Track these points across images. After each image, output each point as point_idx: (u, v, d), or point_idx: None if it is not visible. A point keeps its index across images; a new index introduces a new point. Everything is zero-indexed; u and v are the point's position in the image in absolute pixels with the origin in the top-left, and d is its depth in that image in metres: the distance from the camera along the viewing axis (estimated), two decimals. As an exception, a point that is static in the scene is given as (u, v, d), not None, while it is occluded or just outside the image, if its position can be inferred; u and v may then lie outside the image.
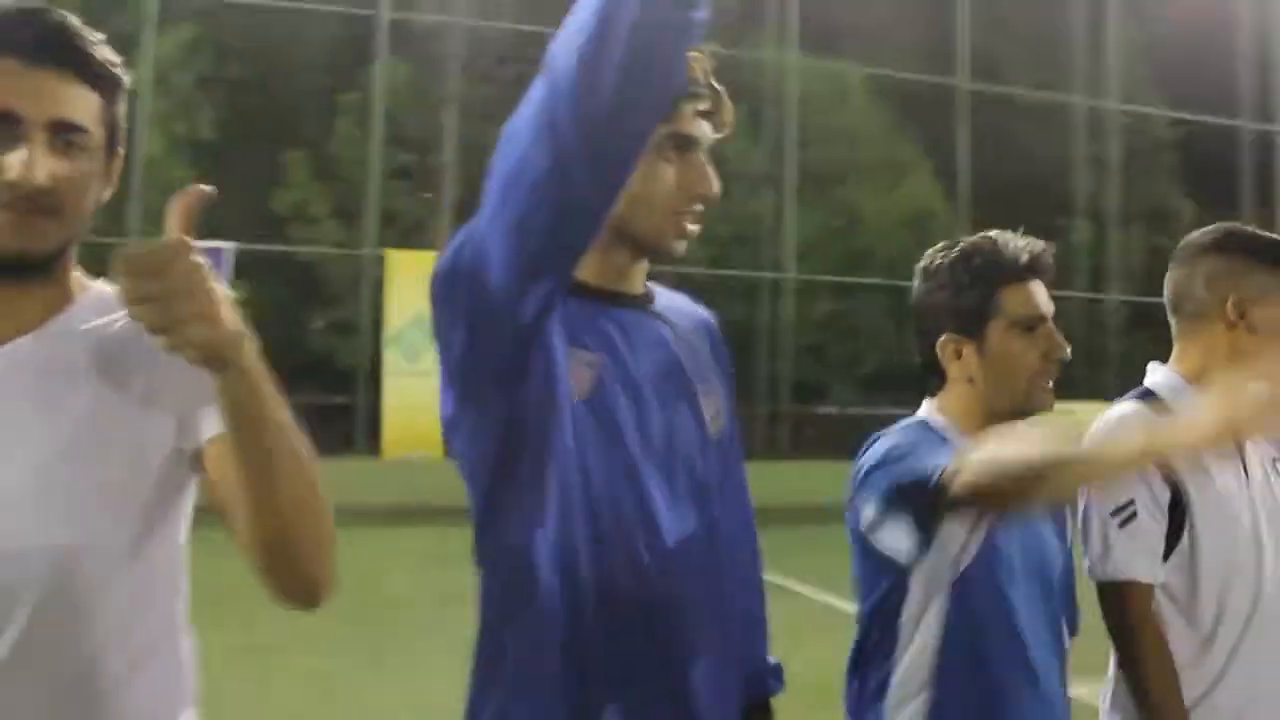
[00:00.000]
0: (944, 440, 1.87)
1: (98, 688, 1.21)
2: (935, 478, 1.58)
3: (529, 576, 1.40)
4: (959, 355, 1.93)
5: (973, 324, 1.91)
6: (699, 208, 1.53)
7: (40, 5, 1.23)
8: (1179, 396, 2.09)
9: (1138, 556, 1.97)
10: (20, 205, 1.18)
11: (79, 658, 1.21)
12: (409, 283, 13.31)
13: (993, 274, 1.92)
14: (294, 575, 1.16)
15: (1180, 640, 1.94)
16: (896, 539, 1.68)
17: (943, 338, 1.95)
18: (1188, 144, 24.77)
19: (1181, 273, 2.21)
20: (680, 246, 1.55)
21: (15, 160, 1.17)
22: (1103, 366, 21.18)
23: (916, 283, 2.02)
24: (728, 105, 1.54)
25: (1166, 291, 2.24)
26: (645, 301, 1.62)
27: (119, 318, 1.25)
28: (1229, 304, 2.12)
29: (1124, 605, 1.97)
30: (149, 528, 1.28)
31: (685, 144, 1.50)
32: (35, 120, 1.19)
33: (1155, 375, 2.19)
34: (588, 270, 1.50)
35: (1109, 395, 16.82)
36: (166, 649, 1.31)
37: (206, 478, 1.29)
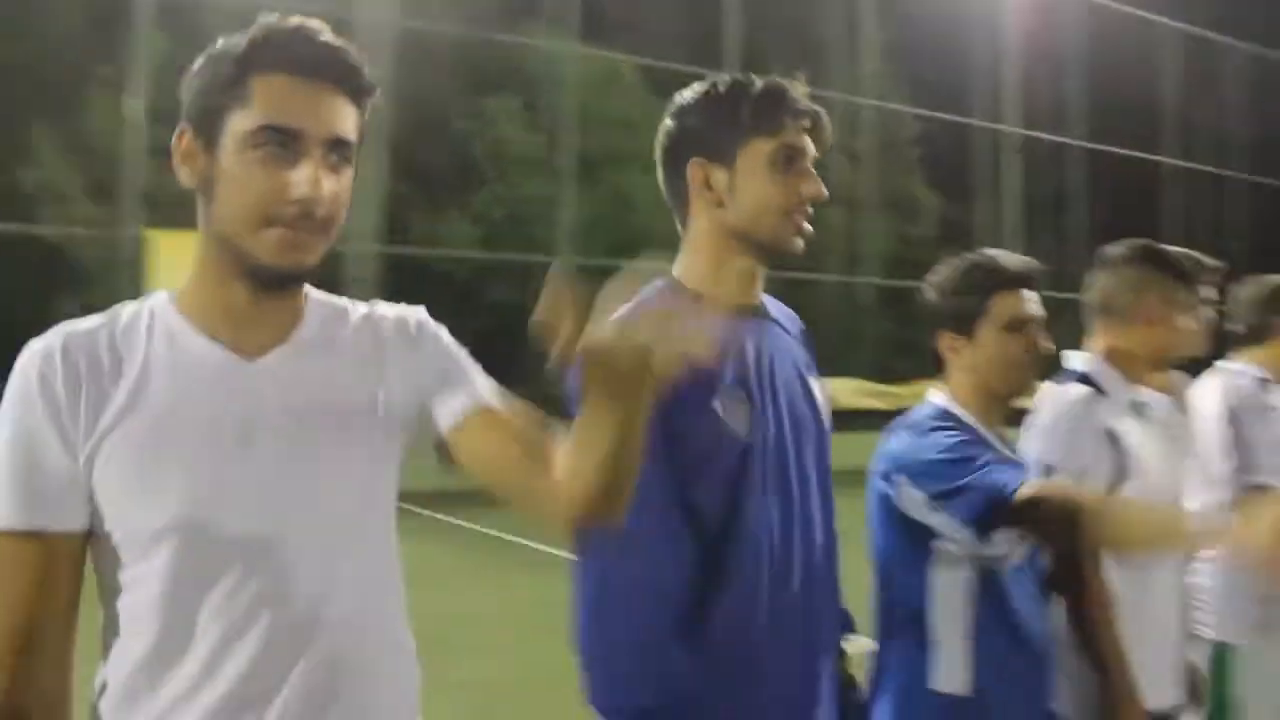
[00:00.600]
0: (970, 425, 2.23)
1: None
2: (1009, 493, 1.93)
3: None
4: (955, 350, 2.27)
5: (967, 324, 2.26)
6: (810, 209, 1.72)
7: (310, 21, 1.25)
8: (1107, 380, 2.56)
9: None
10: (301, 224, 1.20)
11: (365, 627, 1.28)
12: (171, 263, 12.81)
13: (989, 282, 2.25)
14: (614, 506, 1.26)
15: None
16: (953, 526, 2.02)
17: (941, 334, 2.31)
18: (929, 139, 26.83)
19: (1109, 278, 2.69)
20: (800, 244, 1.71)
21: (303, 179, 1.20)
22: (856, 344, 22.66)
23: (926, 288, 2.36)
24: (826, 125, 1.74)
25: (1093, 293, 2.70)
26: (765, 311, 1.79)
27: (347, 323, 1.35)
28: (1151, 307, 2.59)
29: None
30: (389, 514, 1.35)
31: (795, 155, 1.69)
32: (315, 137, 1.21)
33: (1082, 362, 2.64)
34: (716, 284, 1.70)
35: (862, 371, 18.09)
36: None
37: (455, 460, 1.35)
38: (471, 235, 19.78)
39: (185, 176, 1.25)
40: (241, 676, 1.18)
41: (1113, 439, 2.43)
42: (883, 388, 21.68)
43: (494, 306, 17.90)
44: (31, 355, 1.21)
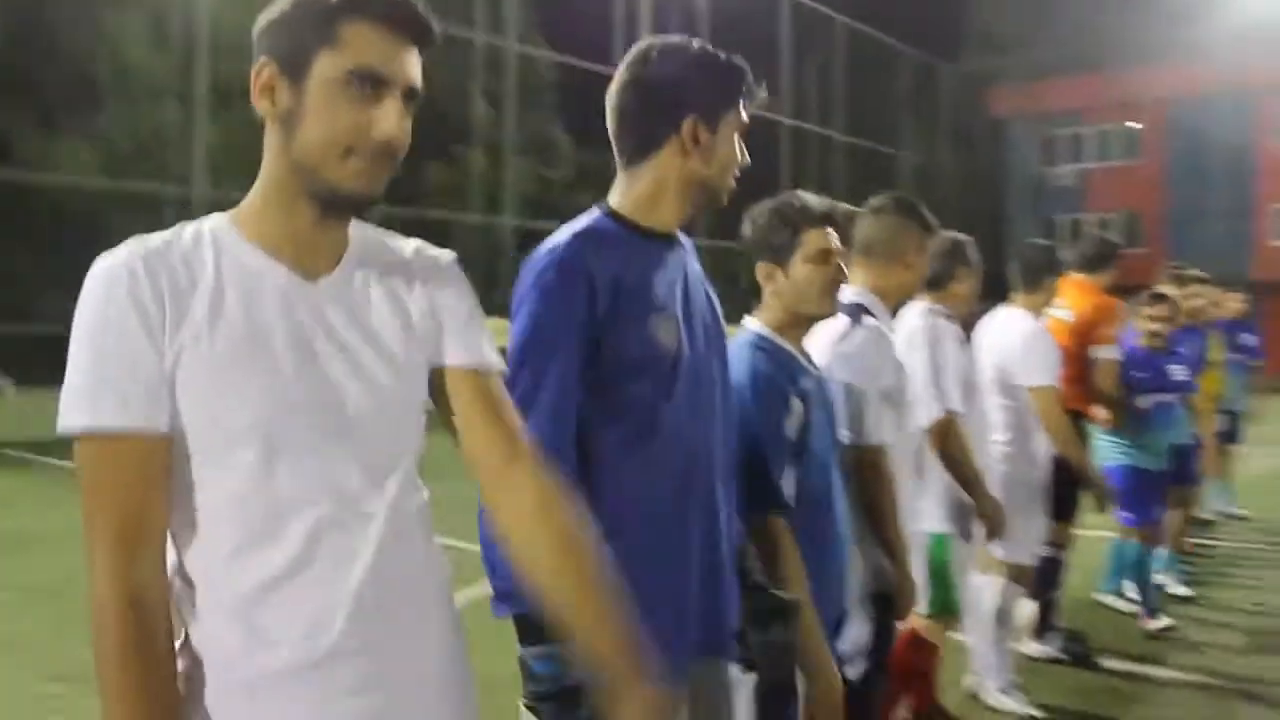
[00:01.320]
0: (782, 348, 2.58)
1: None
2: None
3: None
4: (770, 278, 2.59)
5: (781, 255, 2.57)
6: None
7: None
8: (878, 312, 3.14)
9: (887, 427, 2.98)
10: (379, 158, 1.35)
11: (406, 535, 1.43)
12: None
13: (800, 219, 2.57)
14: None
15: None
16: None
17: (759, 265, 2.62)
18: (566, 84, 27.71)
19: (873, 225, 3.24)
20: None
21: (388, 119, 1.34)
22: (495, 285, 23.17)
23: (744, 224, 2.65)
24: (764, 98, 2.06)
25: (860, 235, 3.23)
26: (678, 241, 2.06)
27: (386, 253, 1.49)
28: (907, 253, 3.23)
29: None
30: (421, 422, 1.49)
31: (745, 128, 2.03)
32: (395, 84, 1.34)
33: (856, 295, 3.11)
34: (654, 218, 1.97)
35: (504, 311, 18.80)
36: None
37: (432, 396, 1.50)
38: (91, 162, 18.17)
39: (265, 107, 1.37)
40: (322, 563, 1.32)
41: (898, 364, 3.12)
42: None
43: (122, 238, 16.60)
44: (114, 270, 1.29)
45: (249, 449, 1.29)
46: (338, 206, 1.39)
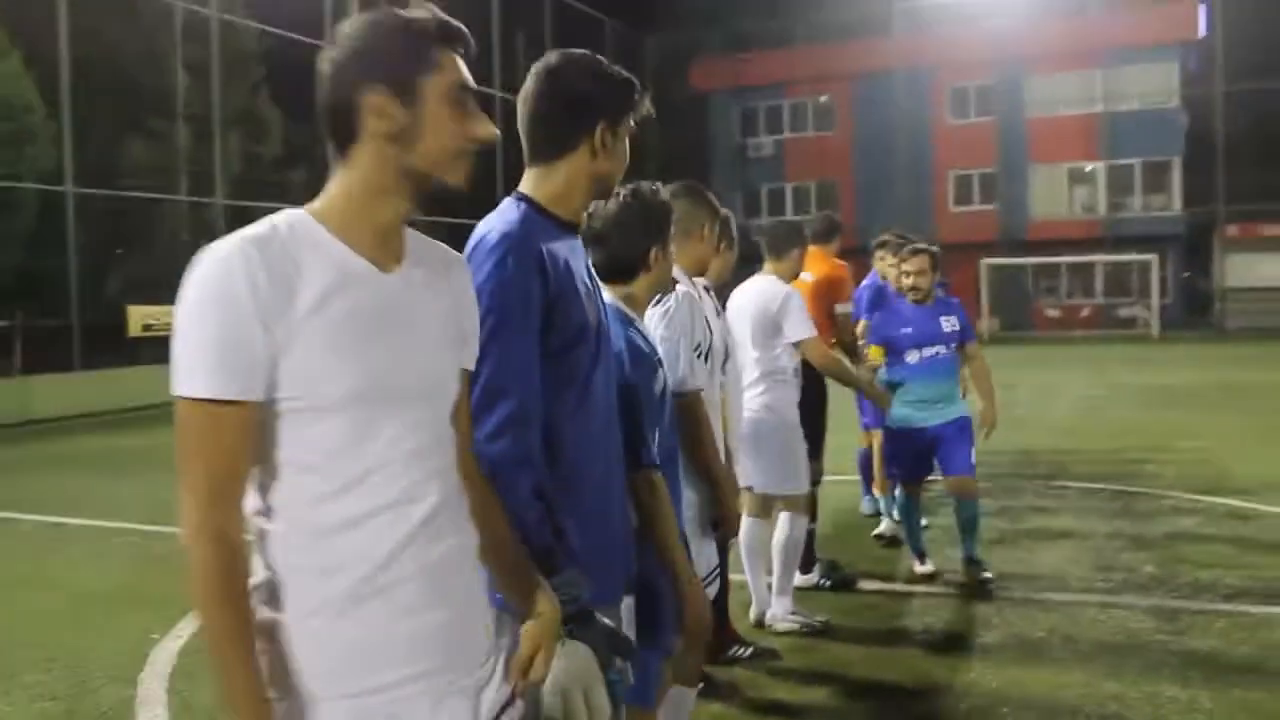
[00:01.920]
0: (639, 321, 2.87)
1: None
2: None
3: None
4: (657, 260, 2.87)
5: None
6: None
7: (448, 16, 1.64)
8: (681, 276, 3.54)
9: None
10: (475, 156, 1.61)
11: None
12: None
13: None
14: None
15: None
16: None
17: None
18: (273, 57, 26.49)
19: (680, 205, 3.46)
20: None
21: (486, 123, 1.64)
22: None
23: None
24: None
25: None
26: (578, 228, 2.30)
27: (430, 251, 1.71)
28: (705, 229, 3.77)
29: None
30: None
31: (629, 130, 2.25)
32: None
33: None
34: (567, 209, 2.19)
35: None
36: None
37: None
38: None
39: (375, 126, 1.57)
40: (395, 508, 1.55)
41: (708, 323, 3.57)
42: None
43: None
44: (231, 256, 1.46)
45: (344, 415, 1.51)
46: (436, 201, 1.64)
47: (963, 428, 5.73)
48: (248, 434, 1.47)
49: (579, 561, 1.95)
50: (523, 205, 2.17)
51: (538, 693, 1.95)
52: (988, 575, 5.59)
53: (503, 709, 1.74)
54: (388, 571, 1.54)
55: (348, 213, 1.59)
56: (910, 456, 5.82)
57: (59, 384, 17.79)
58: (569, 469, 2.08)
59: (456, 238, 1.94)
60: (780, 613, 5.02)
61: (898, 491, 6.24)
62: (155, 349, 20.51)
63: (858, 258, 7.54)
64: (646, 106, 2.31)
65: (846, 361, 5.74)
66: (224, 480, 1.47)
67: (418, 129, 1.58)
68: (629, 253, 2.77)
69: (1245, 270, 34.68)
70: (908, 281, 5.84)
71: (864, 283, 7.22)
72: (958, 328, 5.80)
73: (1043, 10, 36.16)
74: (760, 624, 5.03)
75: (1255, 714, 3.94)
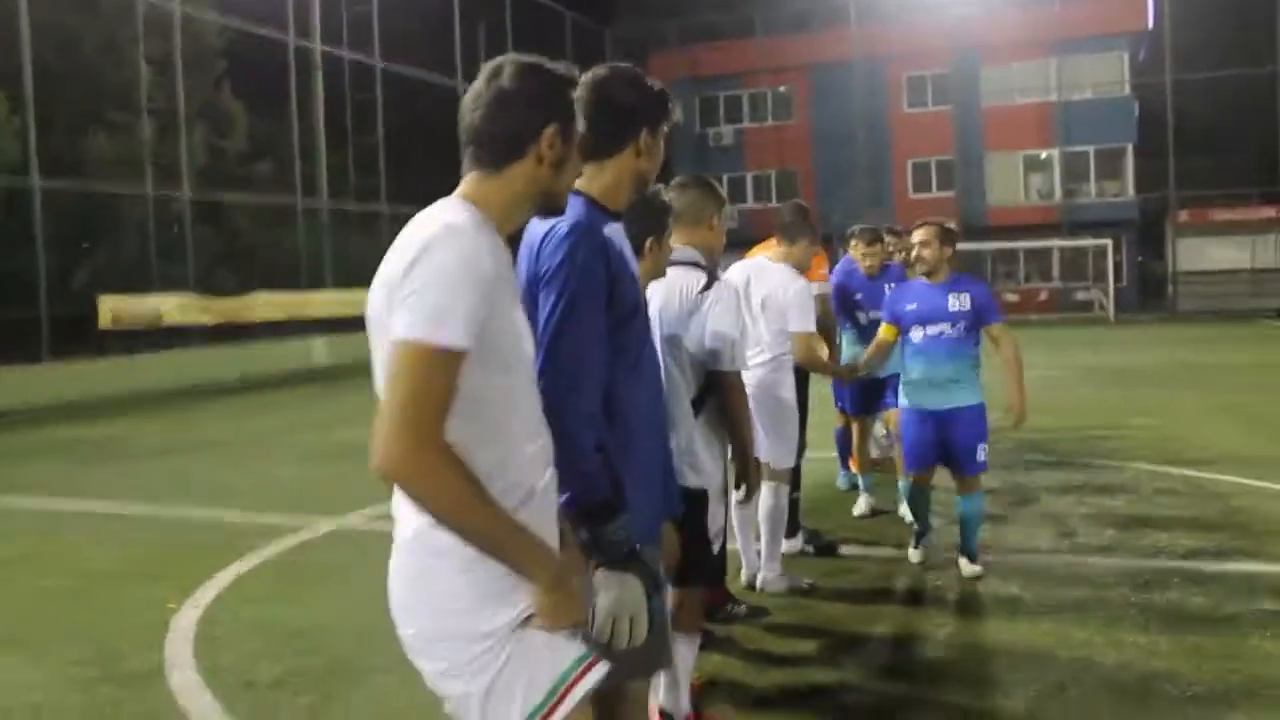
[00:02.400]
0: None
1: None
2: None
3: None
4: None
5: None
6: None
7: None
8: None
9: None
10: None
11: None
12: None
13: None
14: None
15: None
16: None
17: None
18: (236, 51, 26.40)
19: (679, 197, 3.82)
20: None
21: None
22: (175, 259, 21.92)
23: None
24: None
25: (678, 205, 3.72)
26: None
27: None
28: (713, 217, 4.00)
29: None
30: None
31: (664, 134, 2.61)
32: None
33: (688, 255, 3.79)
34: (615, 202, 2.53)
35: (185, 285, 17.91)
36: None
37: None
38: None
39: (544, 153, 1.98)
40: (544, 436, 1.98)
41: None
42: (208, 302, 21.41)
43: None
44: (477, 237, 1.84)
45: (521, 367, 1.93)
46: (552, 212, 2.16)
47: (972, 419, 5.40)
48: (459, 377, 1.77)
49: (629, 508, 2.24)
50: (581, 199, 2.46)
51: (590, 615, 2.24)
52: (977, 571, 5.47)
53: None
54: (546, 477, 1.98)
55: (505, 211, 2.00)
56: (919, 441, 5.51)
57: (27, 375, 17.75)
58: (624, 428, 2.37)
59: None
60: (771, 576, 5.33)
61: (901, 482, 6.09)
62: (124, 340, 20.50)
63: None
64: (678, 113, 2.65)
65: (824, 353, 6.02)
66: (443, 412, 1.75)
67: (567, 161, 2.03)
68: (630, 242, 3.12)
69: (1196, 254, 35.60)
70: (914, 254, 5.63)
71: (835, 268, 7.52)
72: (967, 307, 5.40)
73: (997, 1, 36.77)
74: (751, 586, 5.34)
75: (1206, 656, 4.30)
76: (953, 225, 5.66)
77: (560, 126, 2.01)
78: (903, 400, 5.65)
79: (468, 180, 2.02)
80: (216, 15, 24.24)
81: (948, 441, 5.43)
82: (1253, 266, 35.04)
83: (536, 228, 2.41)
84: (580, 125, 2.39)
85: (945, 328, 5.39)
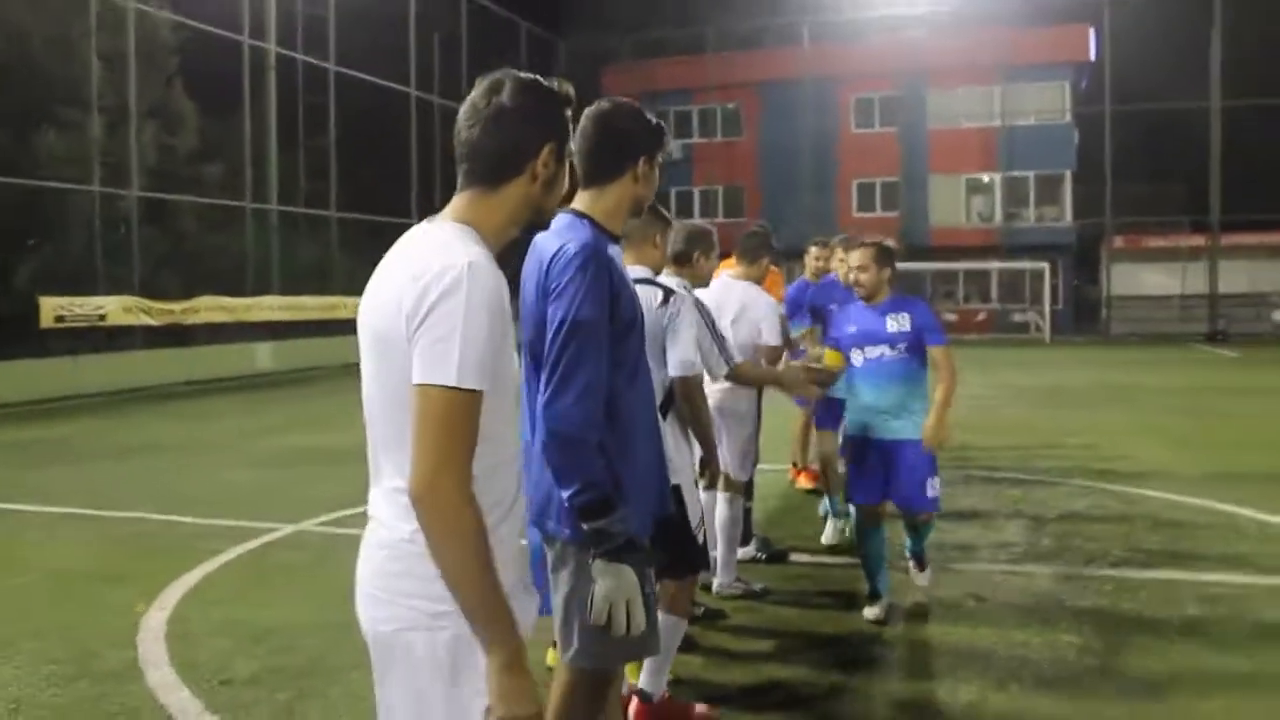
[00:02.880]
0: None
1: None
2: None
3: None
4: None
5: None
6: None
7: None
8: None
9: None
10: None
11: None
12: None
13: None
14: None
15: None
16: None
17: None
18: (190, 50, 26.21)
19: (632, 222, 3.89)
20: None
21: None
22: (121, 260, 21.67)
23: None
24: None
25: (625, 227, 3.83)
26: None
27: None
28: (655, 236, 4.08)
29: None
30: None
31: (659, 164, 2.80)
32: None
33: (643, 272, 3.91)
34: (615, 225, 2.75)
35: (130, 287, 17.76)
36: None
37: None
38: None
39: (539, 170, 2.01)
40: (516, 458, 2.01)
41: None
42: (154, 304, 21.20)
43: None
44: (495, 275, 1.85)
45: (511, 386, 1.96)
46: (538, 227, 2.21)
47: (922, 451, 5.14)
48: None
49: (628, 503, 2.46)
50: (585, 221, 2.70)
51: (588, 602, 2.46)
52: (922, 580, 5.56)
53: None
54: (515, 497, 2.00)
55: (499, 234, 2.02)
56: (864, 470, 5.22)
57: (-33, 376, 17.46)
58: (622, 433, 2.60)
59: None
60: (726, 581, 5.56)
61: (853, 511, 5.68)
62: (68, 340, 20.23)
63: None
64: (671, 146, 2.88)
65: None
66: (473, 446, 1.80)
67: (559, 178, 2.06)
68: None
69: (1130, 279, 36.66)
70: (851, 277, 5.41)
71: (792, 284, 7.79)
72: (907, 328, 5.15)
73: (945, 27, 37.62)
74: (708, 588, 5.56)
75: (1135, 654, 4.63)
76: (890, 243, 5.40)
77: (556, 145, 2.04)
78: (848, 427, 5.44)
79: (464, 199, 2.01)
80: (170, 13, 24.05)
81: (895, 475, 5.16)
82: (1183, 292, 36.14)
83: (545, 245, 2.62)
84: (575, 147, 2.63)
85: (885, 350, 5.18)
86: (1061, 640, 4.81)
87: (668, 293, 3.93)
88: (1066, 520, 7.33)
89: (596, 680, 2.73)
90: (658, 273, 4.35)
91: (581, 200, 2.77)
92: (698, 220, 5.57)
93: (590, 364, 2.45)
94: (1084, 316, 37.97)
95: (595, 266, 2.52)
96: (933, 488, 5.19)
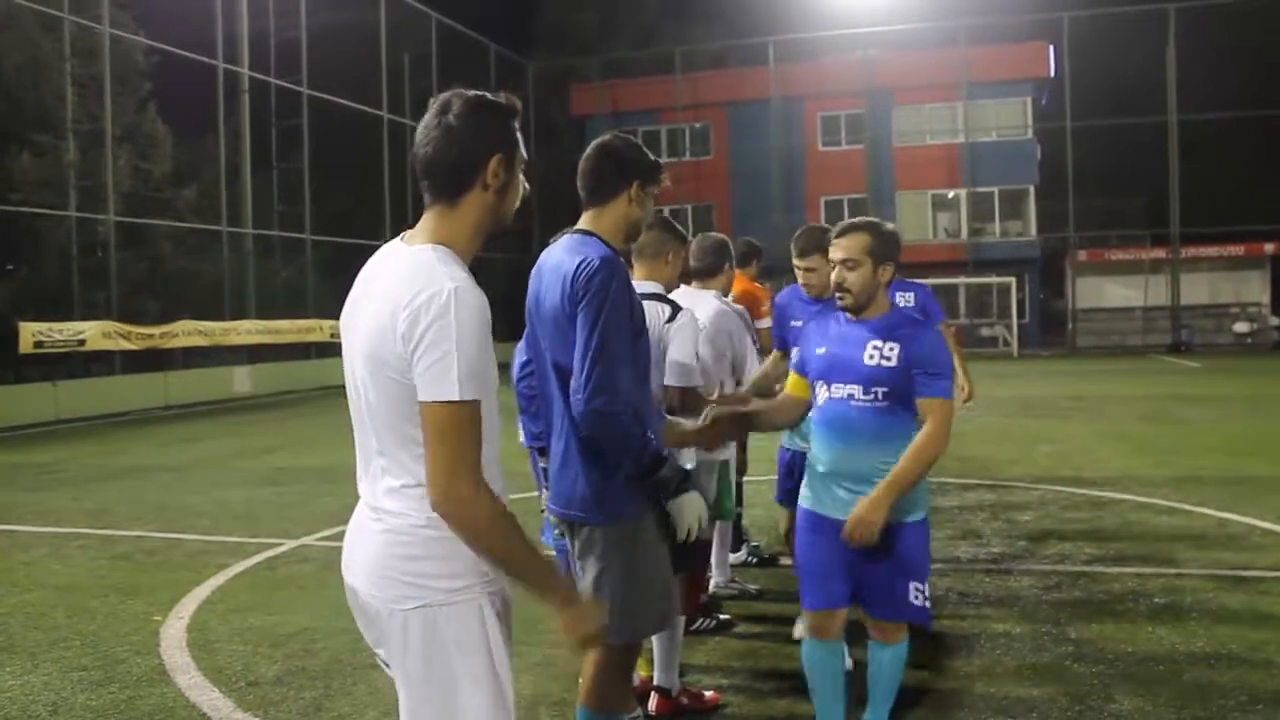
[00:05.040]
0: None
1: None
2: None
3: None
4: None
5: None
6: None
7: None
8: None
9: None
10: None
11: None
12: None
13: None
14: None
15: None
16: None
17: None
18: (163, 74, 26.36)
19: (652, 234, 3.99)
20: None
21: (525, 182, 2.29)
22: (98, 284, 21.74)
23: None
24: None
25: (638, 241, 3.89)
26: None
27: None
28: (670, 254, 4.13)
29: None
30: None
31: (653, 194, 3.11)
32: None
33: (652, 286, 3.97)
34: (619, 243, 3.04)
35: (108, 312, 17.84)
36: None
37: None
38: None
39: (490, 180, 2.14)
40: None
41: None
42: (132, 329, 21.26)
43: None
44: (480, 295, 2.03)
45: (494, 389, 2.11)
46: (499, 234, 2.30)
47: (907, 540, 3.50)
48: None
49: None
50: (594, 238, 3.01)
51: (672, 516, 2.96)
52: None
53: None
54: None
55: (468, 246, 2.17)
56: (817, 563, 3.59)
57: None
58: (646, 414, 2.96)
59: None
60: (722, 581, 5.85)
61: (798, 628, 4.66)
62: (45, 366, 20.27)
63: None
64: (665, 179, 3.20)
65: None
66: (479, 450, 2.02)
67: (511, 186, 2.20)
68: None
69: (1094, 293, 37.38)
70: (834, 277, 3.65)
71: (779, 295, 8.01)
72: (893, 363, 3.44)
73: (909, 45, 38.31)
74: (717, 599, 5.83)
75: (1108, 641, 4.96)
76: (891, 227, 3.75)
77: (504, 155, 2.16)
78: (801, 498, 3.74)
79: (431, 217, 2.17)
80: (144, 37, 24.18)
81: (861, 569, 3.53)
82: (1145, 304, 36.87)
83: (562, 262, 2.92)
84: (579, 169, 3.05)
85: (855, 390, 3.51)
86: (1040, 630, 5.13)
87: (675, 309, 4.15)
88: (1040, 522, 7.68)
89: (625, 653, 3.04)
90: (669, 289, 4.41)
91: (585, 219, 3.09)
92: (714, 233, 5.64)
93: (621, 360, 2.79)
94: (1050, 329, 38.63)
95: (618, 275, 2.85)
96: (918, 593, 3.55)
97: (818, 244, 4.72)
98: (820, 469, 3.61)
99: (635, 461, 2.82)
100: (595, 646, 2.22)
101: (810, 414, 3.73)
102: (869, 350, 3.50)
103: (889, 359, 3.46)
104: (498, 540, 2.03)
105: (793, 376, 3.84)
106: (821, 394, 3.62)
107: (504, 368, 2.90)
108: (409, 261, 2.07)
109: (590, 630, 2.16)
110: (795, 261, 4.91)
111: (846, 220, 3.74)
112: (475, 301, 2.01)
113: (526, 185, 2.29)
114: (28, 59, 23.60)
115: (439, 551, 2.06)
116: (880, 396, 3.47)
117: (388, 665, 2.19)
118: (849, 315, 3.64)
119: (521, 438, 4.44)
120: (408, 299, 1.98)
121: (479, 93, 2.20)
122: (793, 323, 5.04)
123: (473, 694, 2.08)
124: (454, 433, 1.99)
